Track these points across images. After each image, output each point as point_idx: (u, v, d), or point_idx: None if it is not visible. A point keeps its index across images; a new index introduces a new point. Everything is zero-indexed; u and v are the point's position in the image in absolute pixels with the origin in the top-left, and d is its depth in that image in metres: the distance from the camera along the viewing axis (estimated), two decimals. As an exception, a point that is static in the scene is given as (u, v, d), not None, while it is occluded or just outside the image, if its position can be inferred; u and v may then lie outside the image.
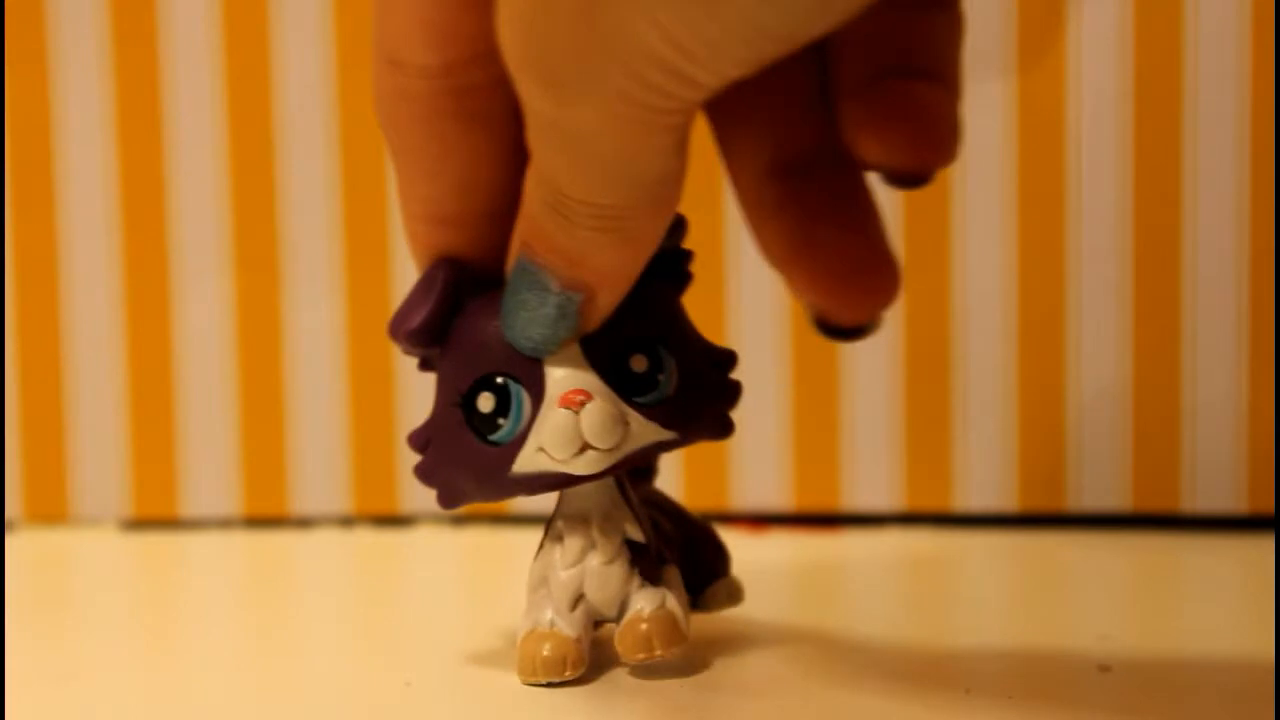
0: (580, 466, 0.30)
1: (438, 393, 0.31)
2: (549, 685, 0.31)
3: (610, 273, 0.29)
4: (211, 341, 0.49)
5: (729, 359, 0.32)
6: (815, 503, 0.47)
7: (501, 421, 0.30)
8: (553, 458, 0.29)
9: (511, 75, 0.26)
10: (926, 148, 0.26)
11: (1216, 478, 0.46)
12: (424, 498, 0.49)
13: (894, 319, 0.47)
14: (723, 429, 0.31)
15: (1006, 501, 0.47)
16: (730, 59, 0.24)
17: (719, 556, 0.35)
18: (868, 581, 0.42)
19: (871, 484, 0.47)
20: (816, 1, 0.23)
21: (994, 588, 0.42)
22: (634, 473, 0.32)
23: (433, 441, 0.31)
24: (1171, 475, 0.46)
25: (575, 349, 0.30)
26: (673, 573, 0.32)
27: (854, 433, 0.47)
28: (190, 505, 0.49)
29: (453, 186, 0.30)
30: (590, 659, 0.31)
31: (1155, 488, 0.46)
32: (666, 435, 0.30)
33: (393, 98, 0.29)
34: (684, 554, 0.34)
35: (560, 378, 0.30)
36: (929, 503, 0.47)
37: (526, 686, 0.31)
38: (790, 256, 0.28)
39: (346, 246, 0.48)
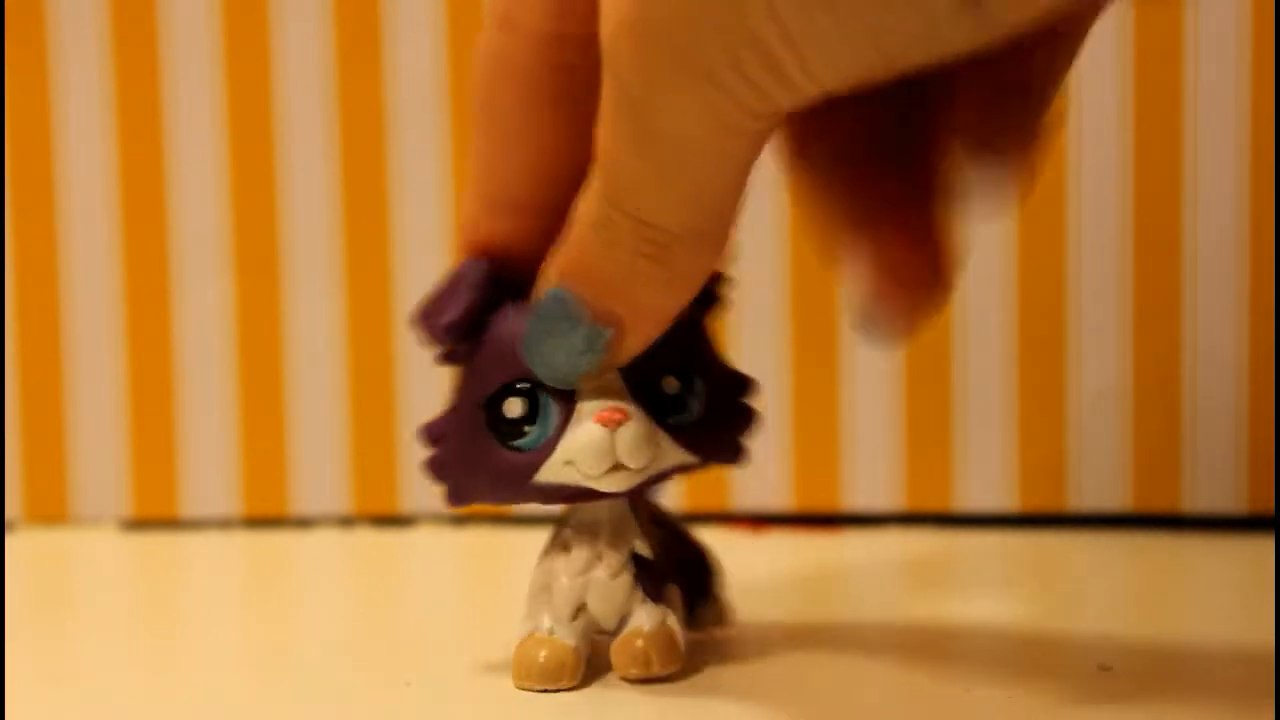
0: (609, 484, 0.29)
1: (459, 390, 0.31)
2: (542, 692, 0.31)
3: (645, 312, 0.29)
4: (211, 341, 0.49)
5: (748, 385, 0.32)
6: (815, 503, 0.47)
7: (528, 429, 0.30)
8: (582, 472, 0.29)
9: (607, 47, 0.25)
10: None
11: (1216, 478, 0.46)
12: (424, 498, 0.49)
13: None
14: (737, 455, 0.32)
15: (1006, 501, 0.47)
16: (831, 62, 0.23)
17: (709, 576, 0.35)
18: (868, 581, 0.42)
19: (871, 484, 0.47)
20: (950, 13, 0.22)
21: (994, 588, 0.42)
22: None
23: (448, 437, 0.31)
24: (1171, 475, 0.46)
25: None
26: (674, 591, 0.32)
27: (854, 433, 0.47)
28: (190, 505, 0.49)
29: (528, 168, 0.30)
30: (590, 662, 0.31)
31: (1155, 488, 0.46)
32: (690, 459, 0.30)
33: (496, 62, 0.29)
34: (678, 571, 0.33)
35: (595, 393, 0.29)
36: (929, 503, 0.47)
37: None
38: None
39: (346, 246, 0.48)
